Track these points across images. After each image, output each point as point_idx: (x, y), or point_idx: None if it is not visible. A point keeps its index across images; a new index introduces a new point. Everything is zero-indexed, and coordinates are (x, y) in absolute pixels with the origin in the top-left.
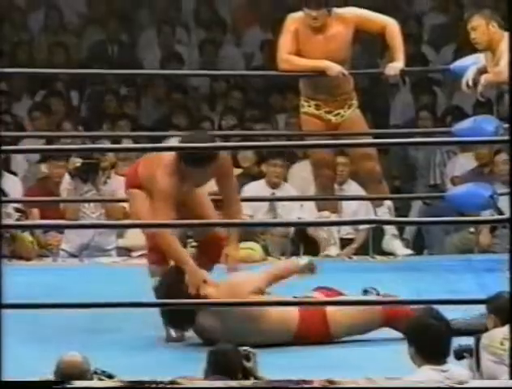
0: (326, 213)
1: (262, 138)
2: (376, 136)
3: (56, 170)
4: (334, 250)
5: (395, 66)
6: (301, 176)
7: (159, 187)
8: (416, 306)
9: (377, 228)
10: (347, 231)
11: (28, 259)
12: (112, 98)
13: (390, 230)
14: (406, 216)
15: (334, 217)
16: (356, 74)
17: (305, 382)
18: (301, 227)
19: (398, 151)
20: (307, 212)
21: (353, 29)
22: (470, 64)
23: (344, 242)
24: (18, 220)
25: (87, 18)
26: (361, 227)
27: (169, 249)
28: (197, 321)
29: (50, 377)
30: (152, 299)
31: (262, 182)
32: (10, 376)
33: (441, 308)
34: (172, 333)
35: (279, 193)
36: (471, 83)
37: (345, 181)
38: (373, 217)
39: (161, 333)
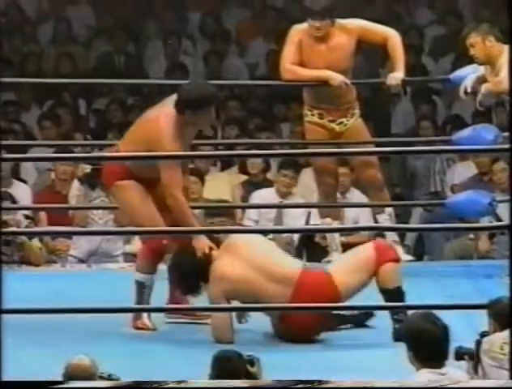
0: (328, 220)
1: (267, 146)
2: (377, 144)
3: (63, 170)
4: (336, 256)
5: (396, 77)
6: (305, 183)
7: (162, 148)
8: (415, 311)
9: (378, 235)
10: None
11: (37, 265)
12: (118, 108)
13: (391, 236)
14: (407, 223)
15: (336, 224)
16: (357, 83)
17: (320, 382)
18: (306, 233)
19: (399, 159)
20: (313, 219)
21: (356, 40)
22: (469, 73)
23: (346, 248)
24: (27, 226)
25: (94, 30)
26: (363, 233)
27: (182, 213)
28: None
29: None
30: (156, 304)
31: (271, 190)
32: (18, 378)
33: (440, 313)
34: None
35: (287, 202)
36: (469, 89)
37: (347, 190)
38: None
39: (167, 336)
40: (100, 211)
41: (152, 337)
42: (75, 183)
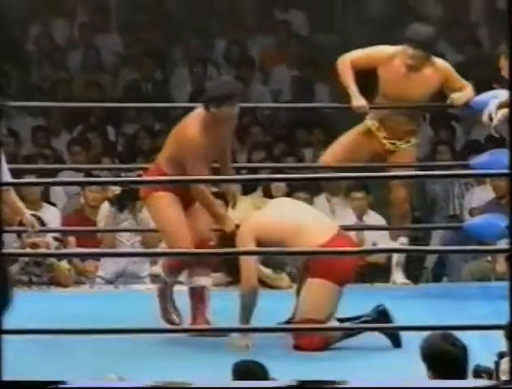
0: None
1: (291, 171)
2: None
3: (93, 196)
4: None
5: (459, 97)
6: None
7: (185, 136)
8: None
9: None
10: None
11: (66, 286)
12: (146, 135)
13: (399, 258)
14: (427, 246)
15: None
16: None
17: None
18: None
19: (418, 183)
20: None
21: (440, 80)
22: (489, 99)
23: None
24: (57, 248)
25: (122, 57)
26: (382, 256)
27: (205, 201)
28: None
29: None
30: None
31: None
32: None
33: (459, 333)
34: None
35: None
36: (494, 115)
37: (364, 212)
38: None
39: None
40: (127, 234)
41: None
42: (105, 204)
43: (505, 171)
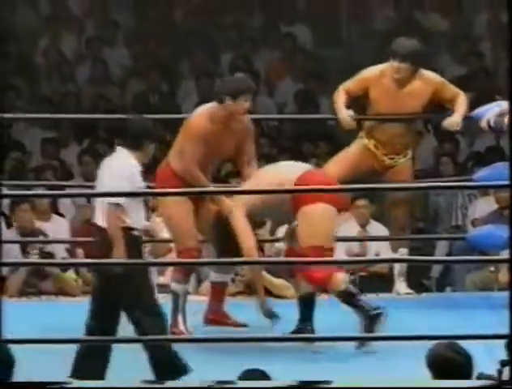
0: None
1: None
2: None
3: None
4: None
5: (454, 121)
6: None
7: (189, 125)
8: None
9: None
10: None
11: (73, 296)
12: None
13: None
14: (430, 256)
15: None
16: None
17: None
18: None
19: (422, 194)
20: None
21: (432, 92)
22: (491, 108)
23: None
24: (63, 259)
25: (130, 70)
26: (384, 265)
27: (194, 178)
28: None
29: None
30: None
31: None
32: None
33: (462, 343)
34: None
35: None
36: (492, 123)
37: (368, 222)
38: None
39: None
40: None
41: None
42: None
43: (506, 182)
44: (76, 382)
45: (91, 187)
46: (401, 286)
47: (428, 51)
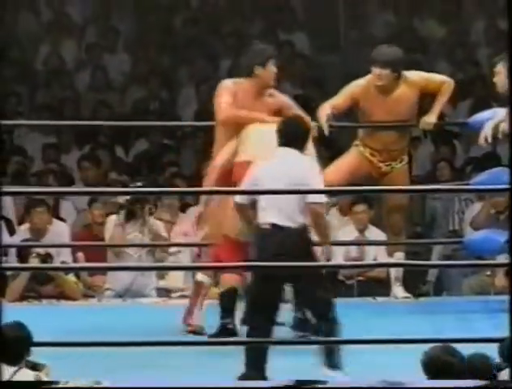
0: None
1: None
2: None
3: (98, 213)
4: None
5: (428, 122)
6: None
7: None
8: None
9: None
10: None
11: (74, 299)
12: (155, 150)
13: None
14: (427, 260)
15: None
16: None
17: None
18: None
19: (419, 199)
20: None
21: (419, 91)
22: (486, 118)
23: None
24: (63, 262)
25: (130, 76)
26: (382, 270)
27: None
28: None
29: None
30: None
31: None
32: None
33: (458, 346)
34: None
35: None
36: (489, 139)
37: (366, 227)
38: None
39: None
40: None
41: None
42: (112, 217)
43: (505, 186)
44: (72, 383)
45: (89, 193)
46: (398, 290)
47: (425, 58)
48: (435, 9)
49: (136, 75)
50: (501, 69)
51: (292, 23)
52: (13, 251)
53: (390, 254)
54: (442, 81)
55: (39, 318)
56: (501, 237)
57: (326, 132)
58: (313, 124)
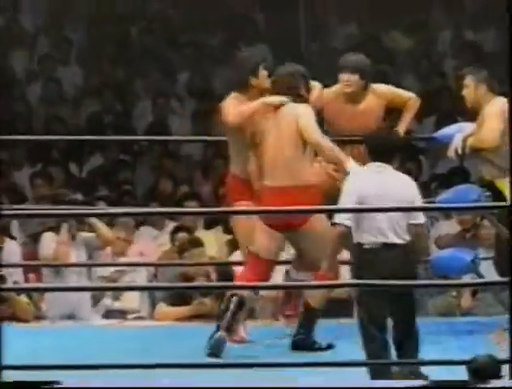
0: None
1: None
2: None
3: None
4: None
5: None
6: None
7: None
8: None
9: None
10: None
11: (26, 321)
12: (107, 164)
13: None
14: None
15: None
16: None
17: None
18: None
19: None
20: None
21: (385, 104)
22: (454, 132)
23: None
24: (15, 283)
25: (83, 89)
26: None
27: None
28: None
29: None
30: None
31: None
32: None
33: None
34: None
35: None
36: (460, 151)
37: None
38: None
39: None
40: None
41: None
42: (47, 234)
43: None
44: (71, 383)
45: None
46: None
47: (391, 69)
48: (400, 20)
49: (90, 88)
50: (470, 82)
51: (253, 34)
52: None
53: None
54: (409, 97)
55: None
56: (467, 255)
57: None
58: None
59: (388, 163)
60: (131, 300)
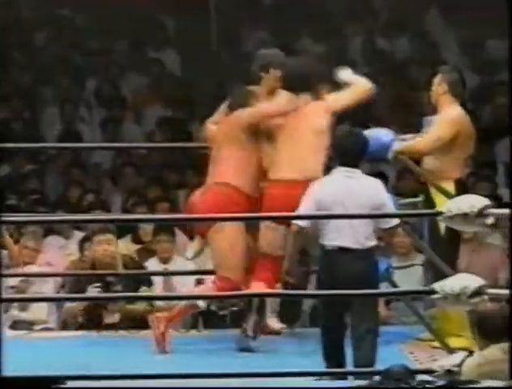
0: None
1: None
2: None
3: None
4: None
5: None
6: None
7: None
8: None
9: None
10: None
11: None
12: (16, 174)
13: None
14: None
15: None
16: None
17: None
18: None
19: None
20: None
21: (327, 111)
22: (383, 136)
23: None
24: None
25: None
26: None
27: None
28: None
29: None
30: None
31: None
32: None
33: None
34: None
35: (170, 267)
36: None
37: None
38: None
39: None
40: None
41: None
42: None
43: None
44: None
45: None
46: (272, 321)
47: None
48: (311, 27)
49: None
50: (436, 79)
51: (161, 40)
52: None
53: None
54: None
55: None
56: (381, 264)
57: None
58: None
59: (353, 166)
60: (39, 311)
